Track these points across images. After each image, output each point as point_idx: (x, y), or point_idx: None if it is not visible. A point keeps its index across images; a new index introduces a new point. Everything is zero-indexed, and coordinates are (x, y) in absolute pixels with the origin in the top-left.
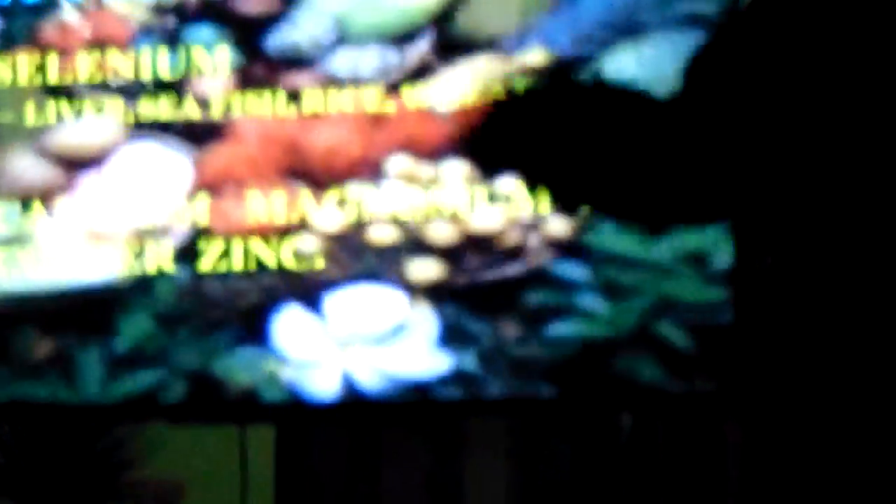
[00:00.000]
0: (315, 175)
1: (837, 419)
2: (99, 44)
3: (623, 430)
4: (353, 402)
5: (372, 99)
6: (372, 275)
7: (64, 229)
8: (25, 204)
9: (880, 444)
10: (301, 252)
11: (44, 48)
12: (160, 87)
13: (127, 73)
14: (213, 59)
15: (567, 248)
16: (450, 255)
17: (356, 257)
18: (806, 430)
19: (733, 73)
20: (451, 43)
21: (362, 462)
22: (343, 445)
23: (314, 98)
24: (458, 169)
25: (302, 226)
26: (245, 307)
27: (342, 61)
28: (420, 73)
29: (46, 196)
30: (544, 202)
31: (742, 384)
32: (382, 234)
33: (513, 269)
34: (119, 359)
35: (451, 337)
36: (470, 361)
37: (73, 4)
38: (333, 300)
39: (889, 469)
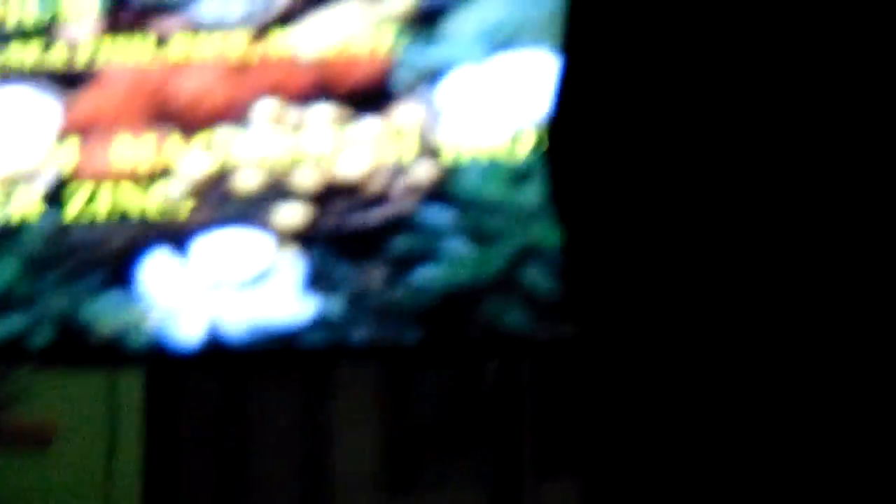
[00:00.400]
0: (182, 120)
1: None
2: None
3: (489, 374)
4: (219, 348)
5: (239, 44)
6: (238, 219)
7: None
8: None
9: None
10: (168, 197)
11: None
12: (29, 31)
13: None
14: (81, 4)
15: (433, 194)
16: (316, 200)
17: (223, 202)
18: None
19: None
20: None
21: (231, 407)
22: (212, 391)
23: (181, 43)
24: (324, 113)
25: (169, 171)
26: (112, 252)
27: (209, 7)
28: (287, 17)
29: None
30: (409, 147)
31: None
32: (249, 179)
33: (378, 214)
34: None
35: (317, 281)
36: (336, 306)
37: None
38: (200, 245)
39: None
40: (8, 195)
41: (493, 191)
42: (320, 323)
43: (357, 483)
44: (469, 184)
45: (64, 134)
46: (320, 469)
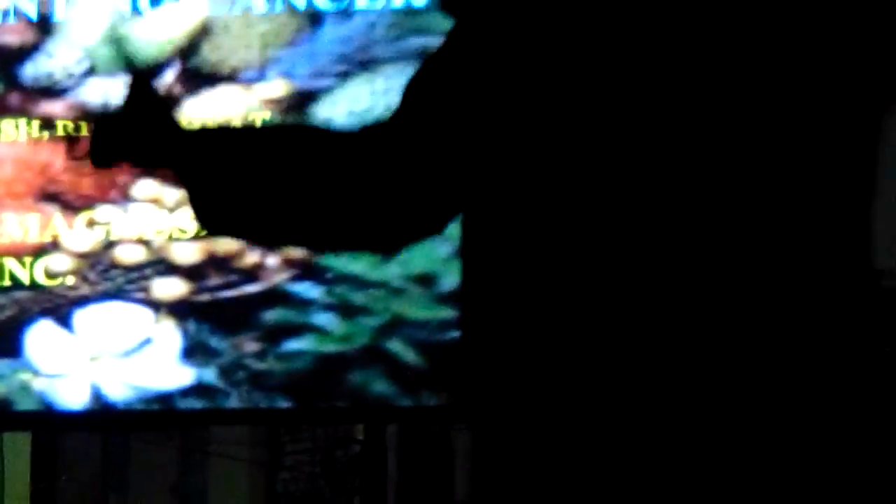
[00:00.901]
0: (67, 198)
1: (567, 424)
2: None
3: (356, 440)
4: (101, 411)
5: None
6: (119, 293)
7: None
8: None
9: (606, 444)
10: (52, 270)
11: None
12: None
13: None
14: None
15: (303, 269)
16: (193, 273)
17: (104, 276)
18: (535, 436)
19: (448, 92)
20: (195, 74)
21: (113, 468)
22: (96, 453)
23: (66, 125)
24: None
25: (54, 245)
26: (4, 321)
27: (93, 90)
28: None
29: None
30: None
31: (472, 396)
32: (129, 254)
33: (252, 288)
34: None
35: (194, 351)
36: (211, 374)
37: None
38: (83, 316)
39: (615, 467)
40: None
41: (360, 267)
42: (196, 389)
43: None
44: (337, 261)
45: None
46: None
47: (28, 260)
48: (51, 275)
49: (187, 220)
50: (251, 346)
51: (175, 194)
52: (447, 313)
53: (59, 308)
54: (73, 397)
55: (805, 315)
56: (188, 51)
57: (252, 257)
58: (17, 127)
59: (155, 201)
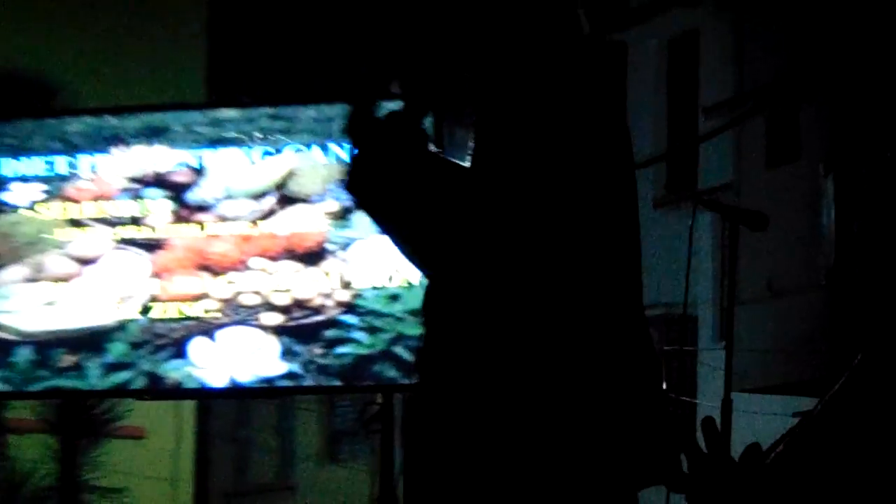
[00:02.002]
0: (213, 268)
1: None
2: (97, 197)
3: (377, 402)
4: (233, 388)
5: (244, 227)
6: (243, 321)
7: (77, 297)
8: (57, 283)
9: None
10: (205, 309)
11: (67, 198)
12: (130, 220)
13: (112, 213)
14: (158, 205)
15: (347, 307)
16: (285, 310)
17: (235, 311)
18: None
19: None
20: (286, 198)
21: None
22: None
23: (213, 227)
24: (289, 265)
25: (205, 294)
26: (174, 339)
27: (228, 207)
28: (270, 214)
29: (68, 279)
30: (334, 282)
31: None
32: (249, 299)
33: (318, 318)
34: (108, 365)
35: (286, 354)
36: (296, 367)
37: (83, 177)
38: (222, 335)
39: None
40: (119, 307)
41: (380, 306)
42: (288, 375)
43: None
44: (366, 302)
45: (149, 275)
46: None
47: (191, 303)
48: (204, 311)
49: (284, 279)
50: (318, 350)
51: (274, 266)
52: None
53: (209, 330)
54: (216, 381)
55: (579, 331)
56: (282, 184)
57: (318, 301)
58: (185, 227)
59: (262, 270)
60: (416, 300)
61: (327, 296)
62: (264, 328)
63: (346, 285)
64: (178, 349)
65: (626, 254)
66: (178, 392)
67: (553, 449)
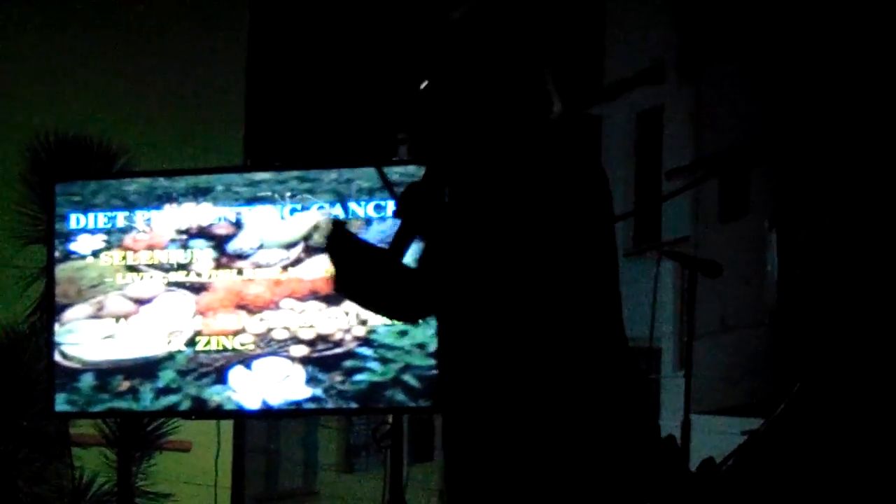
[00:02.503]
0: (249, 307)
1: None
2: (151, 246)
3: (388, 422)
4: (265, 410)
5: (276, 273)
6: (275, 353)
7: (133, 331)
8: (116, 320)
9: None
10: (242, 342)
11: (125, 247)
12: (179, 266)
13: (163, 260)
14: (202, 253)
15: (363, 341)
16: (310, 343)
17: (267, 344)
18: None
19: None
20: (311, 248)
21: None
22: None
23: (249, 272)
24: (315, 305)
25: (243, 330)
26: (216, 367)
27: (262, 255)
28: (297, 262)
29: (126, 316)
30: (352, 320)
31: (441, 403)
32: (279, 334)
33: (338, 350)
34: (159, 390)
35: (311, 381)
36: (319, 392)
37: (139, 229)
38: (258, 364)
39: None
40: (169, 340)
41: (391, 340)
42: (312, 399)
43: None
44: (379, 337)
45: (195, 313)
46: None
47: (230, 337)
48: (241, 344)
49: (309, 317)
50: (338, 377)
51: (302, 306)
52: (431, 362)
53: (245, 360)
54: (251, 404)
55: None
56: (308, 236)
57: (338, 335)
58: (225, 273)
59: (291, 309)
60: (422, 335)
61: (346, 331)
62: (292, 358)
63: (363, 322)
64: (219, 376)
65: (609, 295)
66: (218, 413)
67: (554, 473)
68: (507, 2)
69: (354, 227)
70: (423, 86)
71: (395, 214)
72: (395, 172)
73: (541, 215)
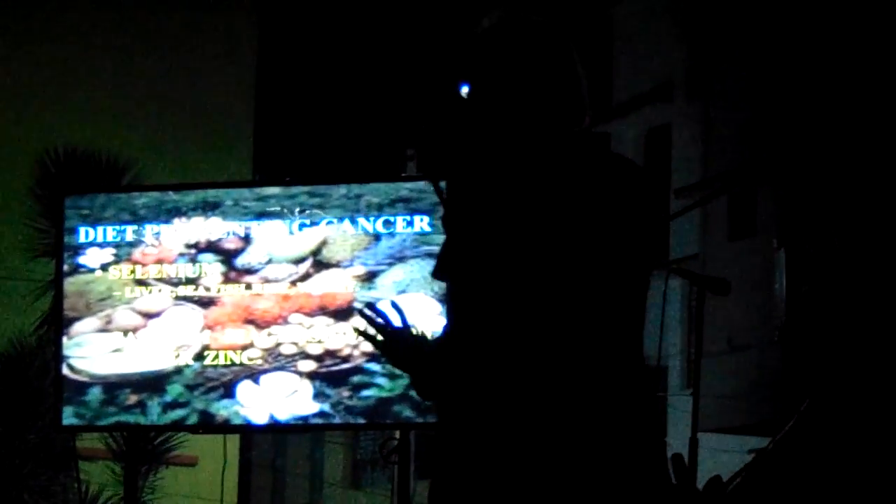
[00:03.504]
0: (257, 322)
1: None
2: (160, 260)
3: (396, 438)
4: (273, 424)
5: (284, 288)
6: (283, 367)
7: (141, 345)
8: (124, 333)
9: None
10: (249, 357)
11: (134, 261)
12: (187, 281)
13: (172, 274)
14: (211, 268)
15: (371, 356)
16: (318, 358)
17: (275, 359)
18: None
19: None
20: (320, 263)
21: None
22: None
23: (258, 287)
24: (322, 320)
25: (251, 344)
26: (224, 381)
27: (271, 270)
28: (306, 277)
29: (134, 330)
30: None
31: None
32: (287, 349)
33: (346, 365)
34: (167, 404)
35: (318, 396)
36: (326, 407)
37: (148, 244)
38: (265, 379)
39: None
40: (177, 354)
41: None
42: (319, 414)
43: None
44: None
45: (203, 327)
46: None
47: (238, 351)
48: (249, 359)
49: (318, 332)
50: (345, 393)
51: (310, 321)
52: None
53: (253, 375)
54: (259, 418)
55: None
56: (316, 251)
57: (346, 351)
58: (233, 287)
59: (300, 324)
60: None
61: (354, 347)
62: (300, 373)
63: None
64: (227, 391)
65: (628, 310)
66: (226, 427)
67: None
68: (537, 11)
69: (363, 242)
70: (463, 92)
71: (444, 223)
72: (405, 188)
73: (563, 224)
